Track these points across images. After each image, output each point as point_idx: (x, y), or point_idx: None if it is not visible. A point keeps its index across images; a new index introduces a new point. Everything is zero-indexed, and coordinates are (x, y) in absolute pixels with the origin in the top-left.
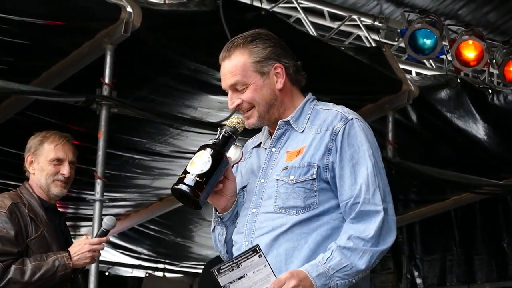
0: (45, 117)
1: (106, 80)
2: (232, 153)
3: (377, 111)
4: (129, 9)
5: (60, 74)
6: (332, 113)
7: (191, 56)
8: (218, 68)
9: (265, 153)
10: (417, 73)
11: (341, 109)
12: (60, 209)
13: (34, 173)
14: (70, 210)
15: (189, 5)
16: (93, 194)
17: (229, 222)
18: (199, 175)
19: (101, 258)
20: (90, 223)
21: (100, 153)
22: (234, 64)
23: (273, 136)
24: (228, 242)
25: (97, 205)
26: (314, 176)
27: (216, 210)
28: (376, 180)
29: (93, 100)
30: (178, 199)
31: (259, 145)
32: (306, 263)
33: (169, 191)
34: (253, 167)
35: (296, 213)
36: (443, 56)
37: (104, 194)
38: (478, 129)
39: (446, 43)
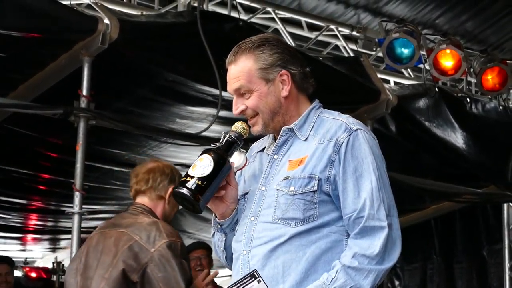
0: (23, 130)
1: (84, 92)
2: (236, 158)
3: None
4: (106, 20)
5: (37, 86)
6: (336, 123)
7: (169, 68)
8: (196, 79)
9: (267, 159)
10: (395, 83)
11: (346, 119)
12: (39, 222)
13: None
14: (49, 223)
15: (166, 17)
16: (72, 207)
17: (228, 229)
18: (200, 179)
19: None
20: (69, 235)
21: (79, 165)
22: (239, 69)
23: (275, 143)
24: (228, 248)
25: (75, 218)
26: (315, 188)
27: (216, 216)
28: (381, 195)
29: (70, 112)
30: (179, 203)
31: (263, 150)
32: (304, 276)
33: None
34: (255, 173)
35: (295, 224)
36: (421, 65)
37: (84, 206)
38: (457, 138)
39: (424, 52)
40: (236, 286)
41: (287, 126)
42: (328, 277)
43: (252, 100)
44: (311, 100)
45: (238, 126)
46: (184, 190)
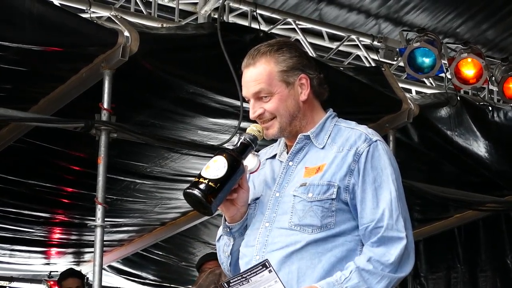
0: (44, 144)
1: (105, 105)
2: (250, 161)
3: (378, 130)
4: (126, 33)
5: (58, 100)
6: (355, 133)
7: (190, 79)
8: (217, 90)
9: (280, 166)
10: (417, 92)
11: (364, 129)
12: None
13: None
14: (73, 237)
15: (187, 29)
16: (94, 220)
17: (238, 233)
18: (213, 181)
19: (106, 284)
20: (93, 249)
21: (100, 178)
22: (259, 72)
23: (291, 150)
24: (234, 254)
25: (98, 231)
26: (334, 196)
27: (225, 219)
28: (399, 206)
29: (92, 126)
30: (190, 204)
31: (273, 157)
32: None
33: (171, 216)
34: (266, 179)
35: (312, 231)
36: (442, 74)
37: (106, 219)
38: (479, 147)
39: (445, 62)
40: (246, 274)
41: (304, 133)
42: (342, 276)
43: (272, 103)
44: (324, 107)
45: (253, 129)
46: (196, 192)
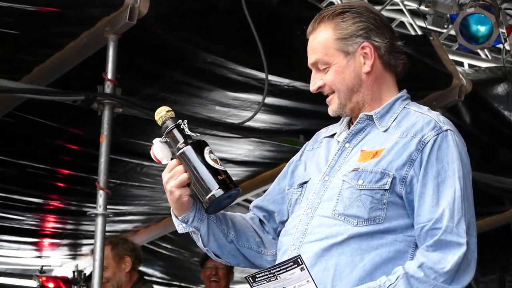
0: (38, 119)
1: (109, 76)
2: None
3: None
4: None
5: (55, 69)
6: (425, 118)
7: (207, 48)
8: (238, 60)
9: (336, 146)
10: (470, 65)
11: (436, 116)
12: (57, 225)
13: None
14: (69, 226)
15: None
16: (95, 207)
17: (197, 221)
18: (224, 170)
19: None
20: (92, 240)
21: (103, 160)
22: (317, 40)
23: (350, 130)
24: (212, 242)
25: (99, 220)
26: (387, 187)
27: (176, 217)
28: (463, 207)
29: (93, 99)
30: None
31: (332, 136)
32: (357, 284)
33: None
34: (319, 160)
35: (357, 224)
36: (500, 45)
37: (108, 207)
38: None
39: (504, 30)
40: (275, 270)
41: (366, 113)
42: (386, 282)
43: (329, 75)
44: (398, 86)
45: (162, 114)
46: (234, 190)
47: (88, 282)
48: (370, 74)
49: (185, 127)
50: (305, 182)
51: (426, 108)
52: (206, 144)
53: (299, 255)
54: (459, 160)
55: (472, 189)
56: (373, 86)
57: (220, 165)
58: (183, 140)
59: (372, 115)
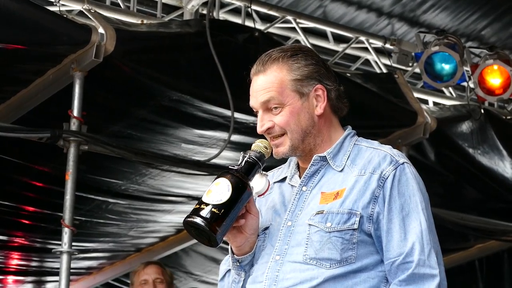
0: (2, 155)
1: (75, 113)
2: (257, 182)
3: None
4: (101, 30)
5: (20, 106)
6: (379, 154)
7: (173, 85)
8: (204, 98)
9: (291, 190)
10: (434, 103)
11: (389, 150)
12: (22, 262)
13: None
14: (33, 264)
15: (170, 26)
16: (60, 245)
17: (249, 266)
18: (217, 206)
19: None
20: (56, 277)
21: (68, 197)
22: (270, 80)
23: (305, 173)
24: None
25: (64, 257)
26: (356, 226)
27: (232, 252)
28: (430, 238)
29: (59, 136)
30: (192, 235)
31: (282, 180)
32: None
33: (148, 241)
34: (275, 206)
35: (330, 266)
36: (465, 84)
37: (73, 244)
38: (505, 167)
39: (468, 69)
40: None
41: (319, 154)
42: None
43: (282, 116)
44: (342, 125)
45: (259, 145)
46: (198, 220)
47: None
48: (322, 116)
49: (257, 171)
50: (266, 228)
51: (376, 142)
52: None
53: None
54: (419, 192)
55: (433, 219)
56: (324, 128)
57: None
58: (247, 178)
59: (325, 156)
